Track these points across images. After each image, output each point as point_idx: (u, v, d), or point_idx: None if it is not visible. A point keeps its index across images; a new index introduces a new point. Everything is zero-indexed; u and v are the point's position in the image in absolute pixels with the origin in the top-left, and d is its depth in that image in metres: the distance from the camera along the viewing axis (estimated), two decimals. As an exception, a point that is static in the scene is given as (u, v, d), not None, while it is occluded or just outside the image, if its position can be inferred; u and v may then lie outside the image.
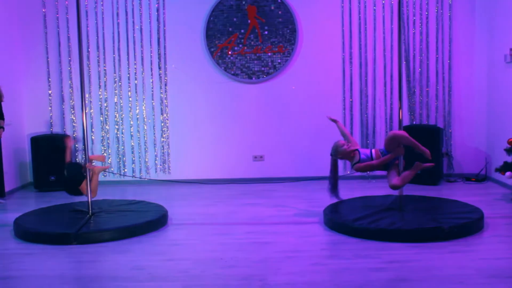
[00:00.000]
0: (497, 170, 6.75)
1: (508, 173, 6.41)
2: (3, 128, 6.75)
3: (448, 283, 3.87)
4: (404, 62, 7.73)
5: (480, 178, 7.59)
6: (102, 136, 8.00)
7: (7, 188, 7.32)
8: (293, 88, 7.90)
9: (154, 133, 8.01)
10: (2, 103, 6.87)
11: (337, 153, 5.44)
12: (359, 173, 7.87)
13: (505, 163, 6.52)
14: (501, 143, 7.10)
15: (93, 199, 5.75)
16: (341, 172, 7.91)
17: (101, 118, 7.99)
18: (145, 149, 8.02)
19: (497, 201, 6.38)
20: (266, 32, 7.83)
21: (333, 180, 5.49)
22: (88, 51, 7.89)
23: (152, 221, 5.45)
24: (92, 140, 7.99)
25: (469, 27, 7.76)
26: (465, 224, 4.99)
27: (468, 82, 7.83)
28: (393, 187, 5.14)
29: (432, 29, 7.76)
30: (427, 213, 5.34)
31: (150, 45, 7.91)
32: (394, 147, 5.20)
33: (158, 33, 7.90)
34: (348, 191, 7.20)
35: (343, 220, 5.20)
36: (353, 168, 5.38)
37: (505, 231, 5.16)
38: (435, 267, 4.19)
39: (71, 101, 7.99)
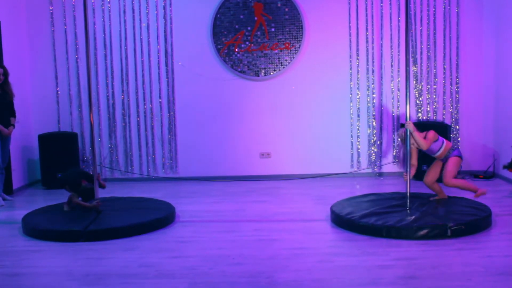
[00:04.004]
0: (505, 167, 6.73)
1: (516, 170, 6.39)
2: (13, 125, 6.78)
3: (456, 280, 3.86)
4: (411, 59, 7.70)
5: (488, 175, 7.56)
6: (110, 134, 8.02)
7: (15, 185, 7.37)
8: (293, 88, 7.89)
9: (162, 130, 8.02)
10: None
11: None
12: (365, 170, 7.89)
13: (513, 160, 6.50)
14: (509, 140, 7.07)
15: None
16: (348, 169, 7.93)
17: (109, 116, 8.00)
18: (152, 146, 8.04)
19: (505, 199, 6.35)
20: (272, 29, 7.82)
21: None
22: (95, 49, 7.91)
23: (160, 218, 5.47)
24: (99, 137, 8.01)
25: (477, 23, 7.72)
26: (473, 222, 4.97)
27: (475, 79, 7.79)
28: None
29: (439, 25, 7.73)
30: (434, 210, 5.32)
31: (157, 42, 7.91)
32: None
33: (165, 30, 7.90)
34: (355, 188, 7.20)
35: (351, 217, 5.20)
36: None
37: (513, 229, 5.14)
38: (443, 265, 4.18)
39: (78, 99, 8.02)
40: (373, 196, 6.06)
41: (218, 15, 7.82)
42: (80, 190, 5.82)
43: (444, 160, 5.63)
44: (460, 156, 5.59)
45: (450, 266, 4.14)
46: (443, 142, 5.60)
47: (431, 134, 5.57)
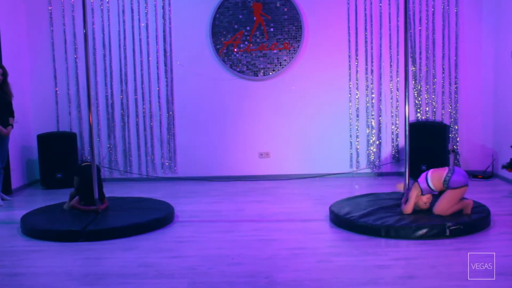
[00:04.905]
0: (503, 167, 6.72)
1: (515, 170, 6.38)
2: (12, 125, 6.78)
3: (454, 280, 3.87)
4: (410, 59, 7.71)
5: (487, 175, 7.56)
6: (109, 134, 8.02)
7: (14, 185, 7.36)
8: (293, 88, 7.90)
9: (161, 130, 8.02)
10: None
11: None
12: (364, 170, 7.90)
13: (512, 160, 6.50)
14: (508, 140, 7.08)
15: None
16: (347, 169, 7.93)
17: (108, 116, 8.00)
18: (151, 146, 8.03)
19: (504, 199, 6.36)
20: (271, 29, 7.82)
21: None
22: (94, 49, 7.90)
23: (159, 218, 5.47)
24: (98, 137, 8.00)
25: (475, 23, 7.73)
26: (472, 222, 4.97)
27: (474, 79, 7.80)
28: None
29: (438, 25, 7.73)
30: (433, 210, 5.31)
31: (156, 42, 7.91)
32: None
33: (164, 30, 7.90)
34: (354, 188, 7.20)
35: (349, 217, 5.20)
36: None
37: (512, 228, 5.15)
38: (442, 264, 4.19)
39: (77, 99, 8.01)
40: (372, 196, 6.06)
41: (217, 15, 7.82)
42: (85, 198, 5.80)
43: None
44: (460, 187, 5.05)
45: (448, 266, 4.15)
46: (426, 180, 5.15)
47: (411, 194, 5.22)
